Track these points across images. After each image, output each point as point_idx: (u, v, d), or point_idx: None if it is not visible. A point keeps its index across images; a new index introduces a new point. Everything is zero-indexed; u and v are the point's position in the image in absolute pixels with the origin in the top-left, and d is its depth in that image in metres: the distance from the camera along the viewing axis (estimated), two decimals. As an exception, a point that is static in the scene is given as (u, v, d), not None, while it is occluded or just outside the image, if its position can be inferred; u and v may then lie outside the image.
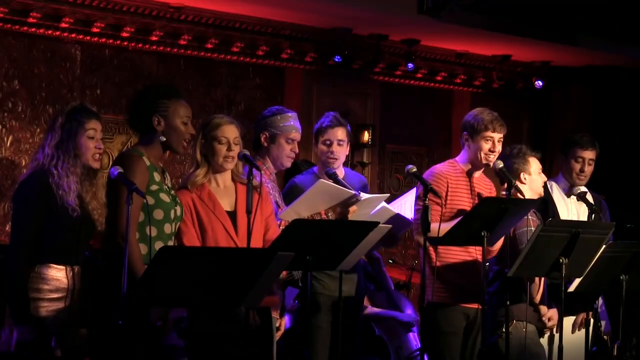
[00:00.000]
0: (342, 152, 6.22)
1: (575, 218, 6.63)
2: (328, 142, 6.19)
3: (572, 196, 6.64)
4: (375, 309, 7.72)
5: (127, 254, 4.68)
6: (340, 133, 6.21)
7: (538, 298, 6.05)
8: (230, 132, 5.38)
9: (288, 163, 6.02)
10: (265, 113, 6.06)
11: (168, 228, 5.11)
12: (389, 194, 6.00)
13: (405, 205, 6.25)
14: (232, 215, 5.36)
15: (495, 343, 5.98)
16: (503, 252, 6.04)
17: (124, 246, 4.85)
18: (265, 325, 5.50)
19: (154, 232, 4.99)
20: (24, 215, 4.85)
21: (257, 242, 5.31)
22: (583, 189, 6.68)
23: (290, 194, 6.09)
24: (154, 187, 5.06)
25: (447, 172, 6.05)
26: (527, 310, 5.99)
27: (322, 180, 5.56)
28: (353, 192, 5.64)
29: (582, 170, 6.68)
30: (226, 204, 5.38)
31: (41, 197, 4.83)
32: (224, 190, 5.41)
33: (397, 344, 7.67)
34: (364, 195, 5.68)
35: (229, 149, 5.36)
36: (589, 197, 6.60)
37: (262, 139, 5.96)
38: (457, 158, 6.17)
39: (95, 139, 4.98)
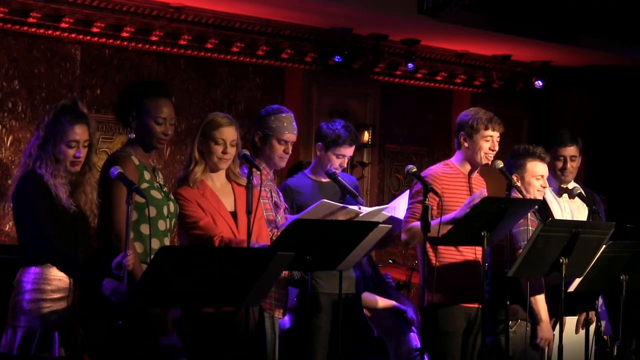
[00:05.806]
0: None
1: (569, 217, 6.63)
2: (340, 156, 6.26)
3: (564, 194, 6.63)
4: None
5: (127, 253, 4.69)
6: (352, 150, 6.32)
7: (544, 317, 6.00)
8: (229, 134, 5.38)
9: (281, 164, 5.99)
10: (261, 112, 6.03)
11: (162, 225, 5.12)
12: (387, 206, 5.98)
13: (399, 208, 6.24)
14: (234, 215, 5.37)
15: (497, 341, 5.98)
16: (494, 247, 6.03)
17: (118, 245, 4.86)
18: (259, 325, 5.51)
19: (149, 229, 5.00)
20: (37, 207, 4.73)
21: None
22: (573, 184, 6.67)
23: (284, 196, 6.09)
24: (144, 185, 5.05)
25: (443, 173, 6.04)
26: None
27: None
28: (356, 208, 5.62)
29: (564, 168, 6.65)
30: (227, 204, 5.39)
31: (42, 193, 4.79)
32: (222, 190, 5.41)
33: (396, 344, 7.67)
34: (364, 210, 5.66)
35: (225, 151, 5.37)
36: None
37: (256, 139, 5.93)
38: (452, 159, 6.15)
39: (76, 148, 4.84)
